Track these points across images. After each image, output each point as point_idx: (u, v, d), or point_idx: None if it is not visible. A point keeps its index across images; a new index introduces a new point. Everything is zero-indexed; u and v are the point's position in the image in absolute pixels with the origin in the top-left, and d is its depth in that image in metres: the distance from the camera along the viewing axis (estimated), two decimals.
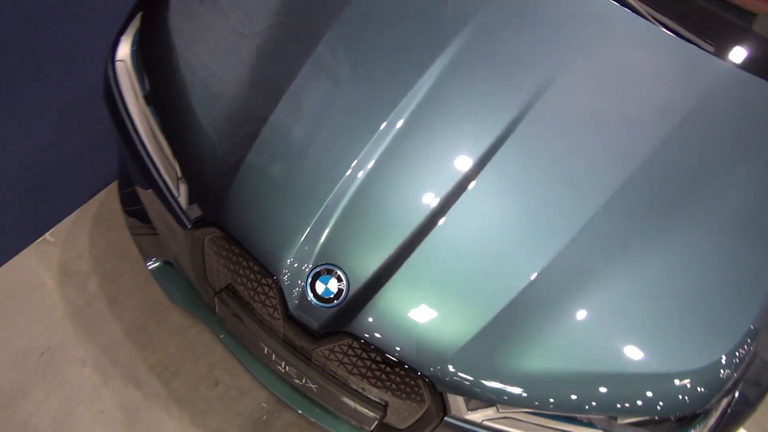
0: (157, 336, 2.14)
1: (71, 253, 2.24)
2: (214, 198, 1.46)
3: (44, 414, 1.95)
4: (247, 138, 1.48)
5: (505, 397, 1.33)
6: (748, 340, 1.38)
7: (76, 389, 2.00)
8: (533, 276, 1.37)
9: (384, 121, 1.49)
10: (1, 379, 1.98)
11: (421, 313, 1.35)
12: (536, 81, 1.58)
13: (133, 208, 1.92)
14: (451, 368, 1.33)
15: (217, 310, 1.67)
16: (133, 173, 1.68)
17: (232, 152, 1.48)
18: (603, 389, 1.33)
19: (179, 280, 1.92)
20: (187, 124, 1.53)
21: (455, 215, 1.41)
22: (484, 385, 1.33)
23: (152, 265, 1.95)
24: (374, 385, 1.47)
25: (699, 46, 1.69)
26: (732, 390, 1.42)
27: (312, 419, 1.77)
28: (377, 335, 1.35)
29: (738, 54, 1.71)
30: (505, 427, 1.43)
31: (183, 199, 1.52)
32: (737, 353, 1.37)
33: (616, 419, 1.38)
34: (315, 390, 1.61)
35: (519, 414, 1.40)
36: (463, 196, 1.43)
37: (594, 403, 1.33)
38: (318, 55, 1.57)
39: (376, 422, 1.57)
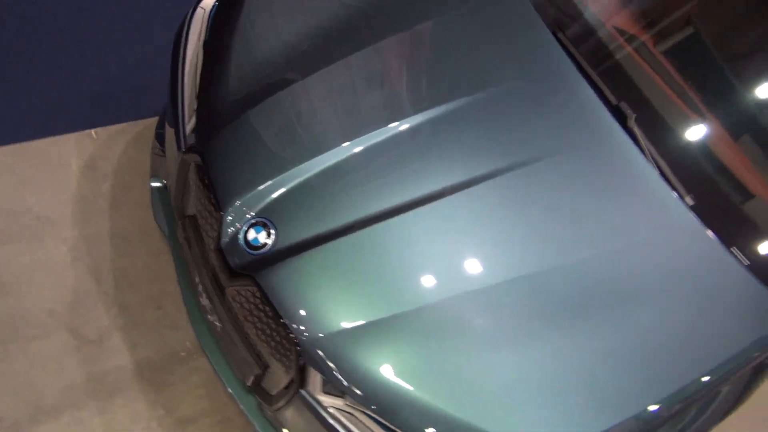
0: (135, 249, 2.38)
1: (103, 153, 2.55)
2: (209, 132, 1.71)
3: (12, 265, 2.21)
4: (257, 98, 1.73)
5: (357, 393, 1.47)
6: None
7: (48, 259, 2.26)
8: (433, 300, 1.51)
9: (376, 129, 1.69)
10: None
11: (322, 288, 1.51)
12: (519, 156, 1.75)
13: (160, 131, 2.20)
14: (321, 345, 1.48)
15: (177, 234, 1.89)
16: (167, 97, 1.96)
17: (241, 104, 1.72)
18: (438, 427, 1.45)
19: (167, 204, 2.16)
20: (219, 72, 1.80)
21: (396, 224, 1.58)
22: (343, 374, 1.47)
23: (154, 183, 2.21)
24: (261, 339, 1.63)
25: (679, 195, 1.80)
26: None
27: (213, 364, 1.94)
28: (276, 291, 1.52)
29: (714, 220, 1.80)
30: (346, 421, 1.55)
31: (189, 127, 1.78)
32: None
33: None
34: (219, 329, 1.79)
35: (362, 415, 1.53)
36: (411, 213, 1.60)
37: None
38: (341, 65, 1.81)
39: (253, 377, 1.72)
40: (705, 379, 1.63)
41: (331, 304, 1.51)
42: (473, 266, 1.59)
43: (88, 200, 2.43)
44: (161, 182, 2.22)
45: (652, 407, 1.56)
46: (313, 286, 1.52)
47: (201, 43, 1.92)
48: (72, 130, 2.56)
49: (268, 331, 1.61)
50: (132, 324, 2.24)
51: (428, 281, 1.55)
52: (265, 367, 1.69)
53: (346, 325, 1.49)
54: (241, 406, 1.84)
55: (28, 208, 2.33)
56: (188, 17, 1.99)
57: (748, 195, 1.92)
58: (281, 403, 1.67)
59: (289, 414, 1.69)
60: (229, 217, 1.60)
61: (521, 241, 1.64)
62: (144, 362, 2.20)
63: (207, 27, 1.94)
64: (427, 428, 1.46)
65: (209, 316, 1.83)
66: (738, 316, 1.73)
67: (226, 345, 1.79)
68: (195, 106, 1.79)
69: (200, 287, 1.80)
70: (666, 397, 1.59)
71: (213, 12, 1.96)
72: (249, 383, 1.76)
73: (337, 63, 1.81)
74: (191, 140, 1.76)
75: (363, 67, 1.82)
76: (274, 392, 1.71)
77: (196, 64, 1.89)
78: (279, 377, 1.67)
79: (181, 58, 1.91)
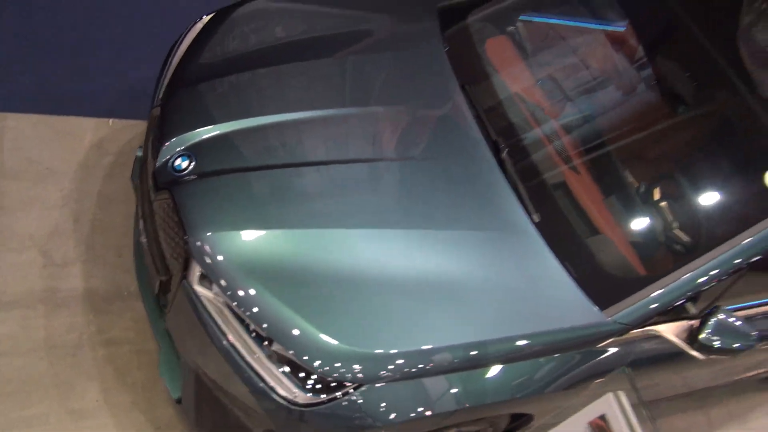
0: (115, 208, 2.91)
1: (114, 137, 3.16)
2: (171, 93, 2.28)
3: (18, 194, 2.77)
4: (209, 77, 2.31)
5: (228, 292, 1.90)
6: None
7: (45, 198, 2.81)
8: (309, 228, 1.98)
9: (294, 111, 2.24)
10: (8, 161, 2.86)
11: (215, 200, 2.00)
12: (410, 154, 2.24)
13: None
14: (206, 240, 1.94)
15: (139, 173, 2.43)
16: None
17: (195, 79, 2.31)
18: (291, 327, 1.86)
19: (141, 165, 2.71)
20: (187, 64, 2.41)
21: (285, 174, 2.08)
22: (217, 268, 1.91)
23: (138, 152, 2.77)
24: (169, 245, 2.09)
25: (527, 211, 2.22)
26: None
27: (140, 288, 2.40)
28: (182, 199, 2.01)
29: (550, 233, 2.20)
30: (214, 313, 1.95)
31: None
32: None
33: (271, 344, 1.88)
34: (144, 245, 2.26)
35: (226, 309, 1.94)
36: (327, 168, 2.11)
37: (277, 330, 1.85)
38: (285, 69, 2.38)
39: (159, 283, 2.16)
40: (521, 342, 2.00)
41: (220, 213, 1.98)
42: (352, 211, 2.05)
43: (89, 167, 3.01)
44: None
45: (467, 341, 1.92)
46: (209, 198, 2.01)
47: (190, 44, 2.54)
48: (94, 116, 3.19)
49: (176, 238, 2.07)
50: (93, 260, 2.73)
51: (304, 209, 2.02)
52: (170, 276, 2.13)
53: (229, 230, 1.95)
54: (149, 317, 2.27)
55: (42, 160, 2.92)
56: (189, 27, 2.63)
57: (592, 227, 2.33)
58: (170, 304, 2.10)
59: (172, 316, 2.11)
60: (167, 147, 2.13)
61: (397, 204, 2.10)
62: (93, 291, 2.66)
63: (199, 33, 2.57)
64: (263, 323, 1.87)
65: (143, 239, 2.31)
66: (554, 306, 2.09)
67: (146, 255, 2.25)
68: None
69: (139, 212, 2.30)
70: (488, 341, 1.96)
71: (206, 24, 2.60)
72: (155, 290, 2.20)
73: (283, 66, 2.39)
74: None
75: (300, 74, 2.39)
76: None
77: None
78: (174, 283, 2.10)
79: (173, 51, 2.53)
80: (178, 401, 2.24)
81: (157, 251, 2.16)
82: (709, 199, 2.43)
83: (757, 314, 2.53)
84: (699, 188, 2.43)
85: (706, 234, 2.29)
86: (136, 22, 3.52)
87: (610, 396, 1.58)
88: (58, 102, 3.13)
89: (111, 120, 3.22)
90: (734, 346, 2.21)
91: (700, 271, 2.17)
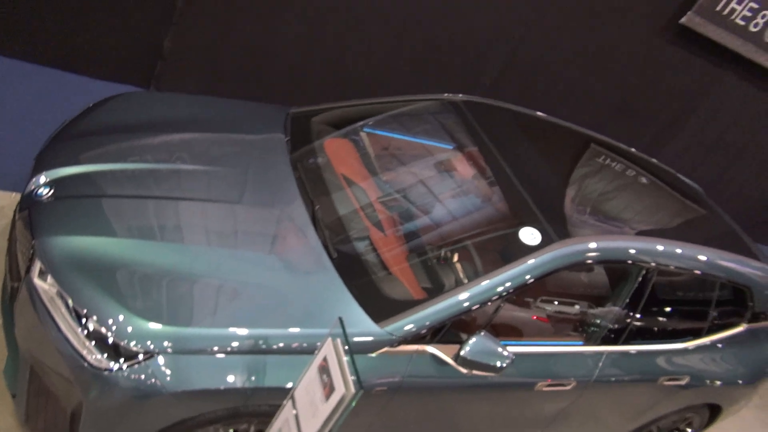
0: None
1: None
2: (57, 142, 2.91)
3: None
4: (77, 135, 2.95)
5: (58, 281, 2.38)
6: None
7: None
8: (131, 235, 2.52)
9: (147, 164, 2.86)
10: None
11: (61, 214, 2.55)
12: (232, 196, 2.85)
13: None
14: (47, 241, 2.45)
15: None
16: None
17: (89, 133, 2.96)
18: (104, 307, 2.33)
19: None
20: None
21: (146, 203, 2.70)
22: (54, 264, 2.41)
23: None
24: (23, 253, 2.57)
25: (326, 250, 2.80)
26: None
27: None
28: (36, 211, 2.55)
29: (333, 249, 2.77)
30: (48, 304, 2.40)
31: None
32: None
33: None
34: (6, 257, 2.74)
35: (58, 298, 2.39)
36: (156, 201, 2.72)
37: (93, 309, 2.32)
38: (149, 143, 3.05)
39: (11, 289, 2.61)
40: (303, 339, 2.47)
41: (62, 222, 2.53)
42: (167, 228, 2.61)
43: None
44: None
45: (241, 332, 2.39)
46: (56, 212, 2.56)
47: None
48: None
49: (27, 245, 2.56)
50: None
51: (129, 224, 2.56)
52: (21, 281, 2.59)
53: (66, 234, 2.48)
54: (3, 325, 2.69)
55: None
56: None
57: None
58: (16, 300, 2.54)
59: (17, 311, 2.54)
60: (34, 181, 2.70)
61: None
62: None
63: None
64: (84, 306, 2.34)
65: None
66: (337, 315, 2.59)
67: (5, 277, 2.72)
68: None
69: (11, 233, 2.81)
70: (272, 334, 2.43)
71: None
72: (8, 298, 2.65)
73: (134, 133, 3.06)
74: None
75: (149, 136, 3.06)
76: None
77: None
78: None
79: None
80: (13, 396, 2.58)
81: (14, 261, 2.64)
82: (466, 252, 3.05)
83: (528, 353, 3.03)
84: (458, 244, 3.07)
85: (466, 274, 2.89)
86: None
87: (329, 340, 2.03)
88: None
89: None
90: (489, 362, 2.69)
91: (458, 299, 2.72)
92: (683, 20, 5.26)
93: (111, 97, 3.32)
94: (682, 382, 3.47)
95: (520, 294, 3.03)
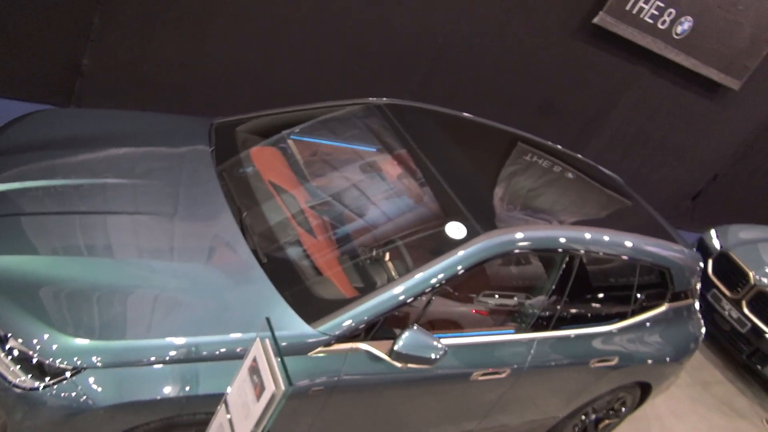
0: None
1: None
2: None
3: None
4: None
5: None
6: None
7: None
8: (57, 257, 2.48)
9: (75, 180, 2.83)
10: None
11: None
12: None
13: None
14: None
15: None
16: None
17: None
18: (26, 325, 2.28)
19: None
20: None
21: (71, 220, 2.66)
22: None
23: None
24: None
25: (256, 257, 2.81)
26: None
27: None
28: None
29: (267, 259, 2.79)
30: None
31: None
32: None
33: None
34: None
35: None
36: (81, 216, 2.69)
37: (14, 328, 2.27)
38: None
39: None
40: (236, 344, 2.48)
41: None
42: (91, 246, 2.57)
43: None
44: None
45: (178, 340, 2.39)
46: None
47: None
48: None
49: None
50: None
51: (54, 244, 2.52)
52: None
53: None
54: None
55: None
56: None
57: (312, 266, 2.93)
58: None
59: None
60: None
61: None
62: None
63: None
64: (5, 326, 2.29)
65: None
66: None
67: None
68: None
69: None
70: (203, 342, 2.43)
71: None
72: None
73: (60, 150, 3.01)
74: None
75: (79, 166, 3.01)
76: None
77: None
78: None
79: None
80: None
81: None
82: (396, 251, 3.11)
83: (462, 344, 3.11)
84: (388, 244, 3.13)
85: (397, 271, 2.95)
86: None
87: (258, 341, 2.05)
88: None
89: None
90: (422, 355, 2.75)
91: (392, 294, 2.77)
92: (596, 20, 5.50)
93: (26, 114, 3.25)
94: (612, 363, 3.61)
95: (455, 287, 3.10)
